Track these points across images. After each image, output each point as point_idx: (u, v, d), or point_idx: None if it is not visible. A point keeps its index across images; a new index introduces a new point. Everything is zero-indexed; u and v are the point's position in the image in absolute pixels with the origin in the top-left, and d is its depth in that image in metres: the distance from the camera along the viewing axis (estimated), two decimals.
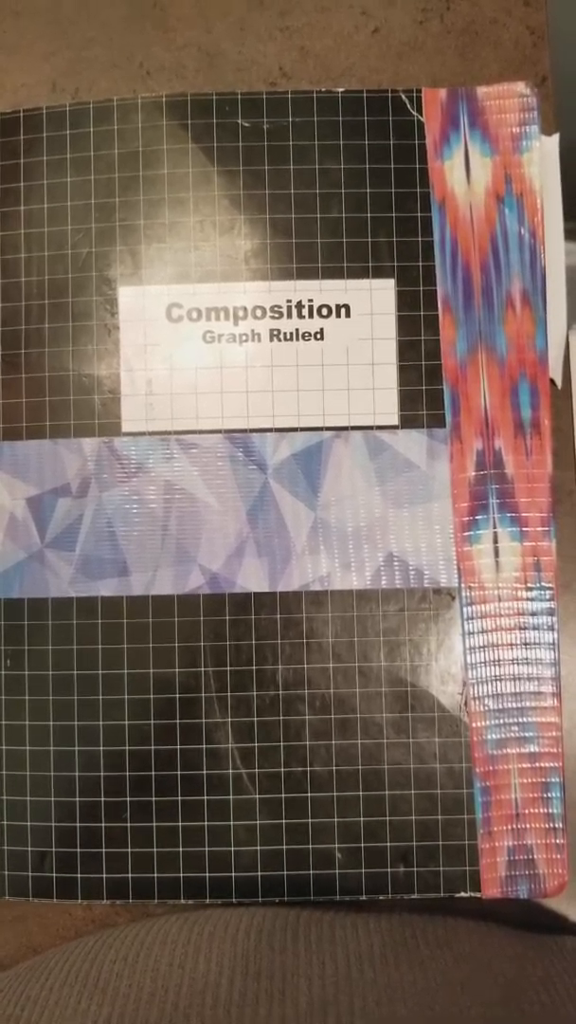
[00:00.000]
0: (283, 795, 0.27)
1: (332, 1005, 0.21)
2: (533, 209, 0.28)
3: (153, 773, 0.28)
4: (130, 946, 0.25)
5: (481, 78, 0.31)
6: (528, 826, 0.27)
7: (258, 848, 0.27)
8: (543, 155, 0.29)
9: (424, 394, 0.28)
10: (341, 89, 0.29)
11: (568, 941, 0.26)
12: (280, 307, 0.28)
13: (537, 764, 0.27)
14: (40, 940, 0.30)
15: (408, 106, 0.29)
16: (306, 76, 0.31)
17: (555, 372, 0.29)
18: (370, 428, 0.28)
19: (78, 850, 0.28)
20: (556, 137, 0.30)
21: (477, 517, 0.28)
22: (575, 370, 0.30)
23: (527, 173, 0.28)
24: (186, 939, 0.25)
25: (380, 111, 0.29)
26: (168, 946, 0.25)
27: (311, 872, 0.27)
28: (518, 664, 0.27)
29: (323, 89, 0.29)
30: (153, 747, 0.28)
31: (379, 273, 0.28)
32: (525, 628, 0.28)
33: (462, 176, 0.28)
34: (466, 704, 0.28)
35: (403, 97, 0.29)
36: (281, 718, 0.28)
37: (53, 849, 0.28)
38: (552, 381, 0.29)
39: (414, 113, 0.29)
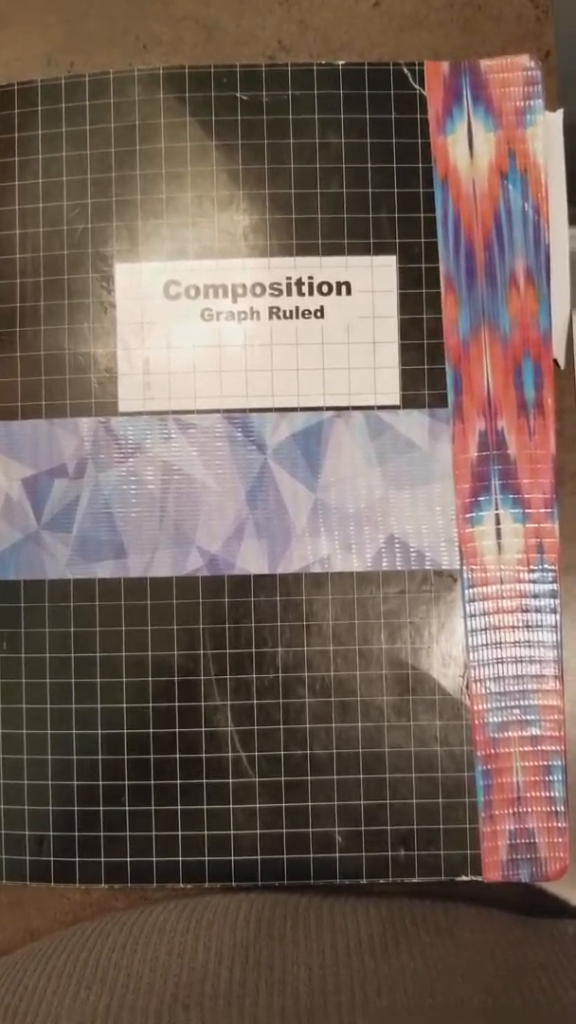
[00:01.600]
0: (283, 778, 0.27)
1: (333, 996, 0.21)
2: (537, 185, 0.28)
3: (152, 756, 0.27)
4: (128, 934, 0.25)
5: (483, 52, 0.30)
6: (529, 809, 0.27)
7: (257, 832, 0.27)
8: (547, 130, 0.28)
9: (426, 373, 0.28)
10: (342, 62, 0.28)
11: (569, 926, 0.26)
12: (280, 284, 0.28)
13: (539, 747, 0.27)
14: (37, 924, 0.29)
15: (410, 79, 0.28)
16: (305, 50, 0.31)
17: (558, 352, 0.29)
18: (371, 408, 0.28)
19: (76, 834, 0.27)
20: (560, 113, 0.29)
21: (479, 498, 0.28)
22: None
23: (531, 148, 0.28)
24: (184, 927, 0.25)
25: (382, 84, 0.28)
26: (167, 935, 0.24)
27: (311, 856, 0.27)
28: (520, 647, 0.27)
29: (323, 62, 0.28)
30: (151, 730, 0.27)
31: (380, 250, 0.28)
32: (527, 610, 0.27)
33: (465, 151, 0.28)
34: (467, 687, 0.27)
35: (405, 70, 0.28)
36: (281, 701, 0.27)
37: (51, 833, 0.28)
38: (555, 361, 0.29)
39: (416, 86, 0.28)
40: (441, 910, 0.25)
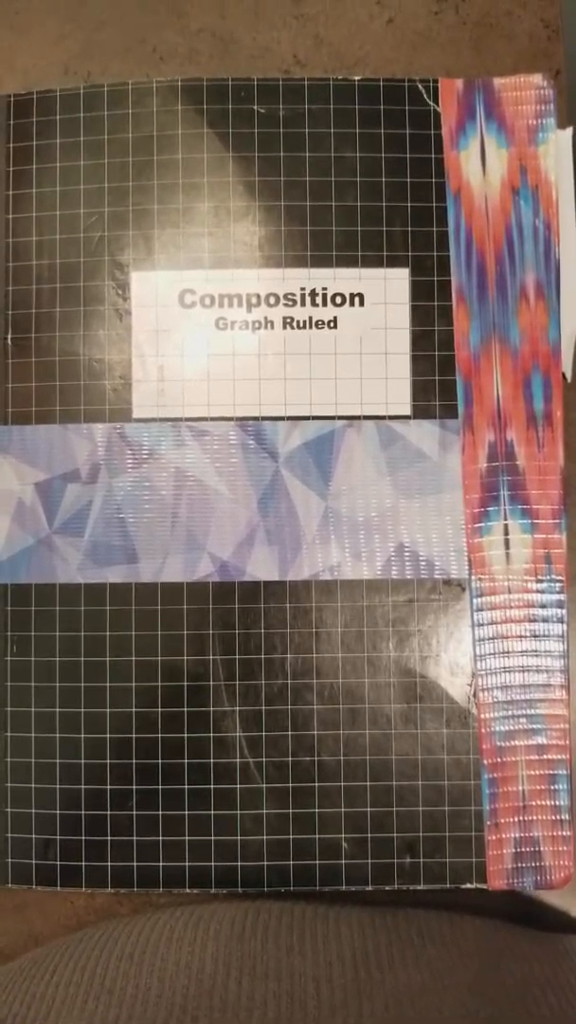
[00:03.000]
0: (290, 784, 0.27)
1: (340, 1008, 0.21)
2: (548, 201, 0.28)
3: (160, 761, 0.27)
4: (135, 943, 0.25)
5: (495, 70, 0.31)
6: (535, 818, 0.27)
7: (264, 837, 0.27)
8: (558, 148, 0.29)
9: (437, 384, 0.28)
10: (358, 77, 0.29)
11: (573, 945, 0.26)
12: (294, 295, 0.28)
13: (544, 756, 0.27)
14: (41, 928, 0.29)
15: (425, 96, 0.29)
16: (320, 64, 0.31)
17: (567, 365, 0.29)
18: (382, 418, 0.28)
19: (83, 838, 0.27)
20: (570, 130, 0.30)
21: (488, 509, 0.28)
22: None
23: (542, 165, 0.28)
24: (191, 937, 0.25)
25: (396, 100, 0.28)
26: (174, 944, 0.24)
27: (317, 862, 0.27)
28: (527, 656, 0.27)
29: (340, 77, 0.29)
30: (160, 735, 0.27)
31: (393, 262, 0.28)
32: (535, 620, 0.28)
33: (478, 167, 0.28)
34: (475, 695, 0.28)
35: (420, 87, 0.29)
36: (289, 707, 0.28)
37: (58, 837, 0.28)
38: (564, 375, 0.29)
39: (430, 103, 0.29)
40: (446, 922, 0.25)
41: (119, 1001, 0.22)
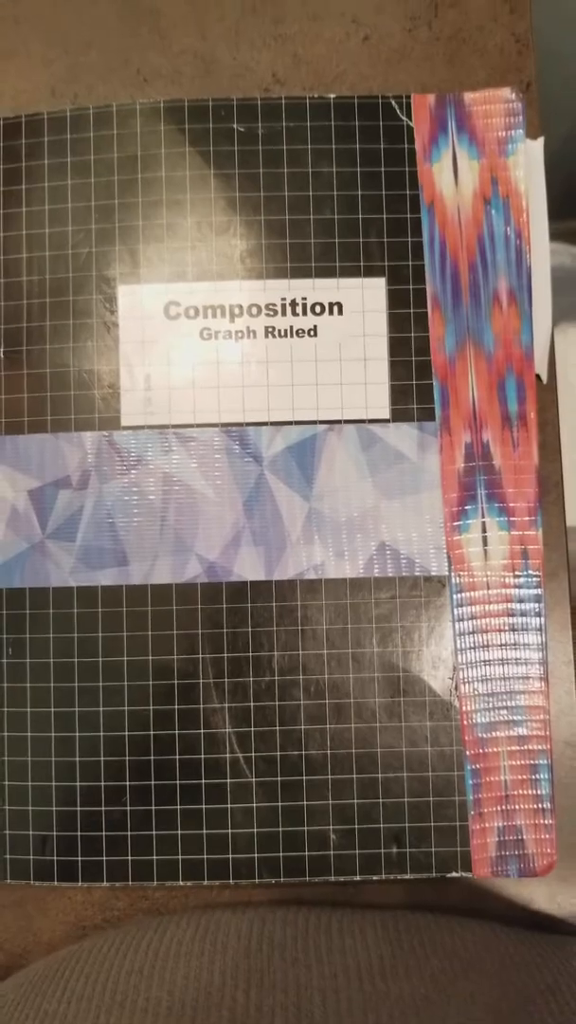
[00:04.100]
0: (279, 778, 0.28)
1: (347, 1018, 0.22)
2: (519, 210, 0.29)
3: (152, 758, 0.28)
4: (144, 958, 0.25)
5: (468, 84, 0.32)
6: (517, 807, 0.28)
7: (255, 830, 0.28)
8: (528, 158, 0.30)
9: (414, 388, 0.29)
10: (333, 95, 0.30)
11: (574, 951, 0.27)
12: (275, 305, 0.29)
13: (526, 746, 0.28)
14: (39, 924, 0.30)
15: (398, 111, 0.30)
16: (299, 82, 0.32)
17: (540, 367, 0.30)
18: (362, 421, 0.29)
19: (79, 834, 0.28)
20: (541, 140, 0.31)
21: (466, 507, 0.29)
22: (560, 365, 0.31)
23: (513, 176, 0.29)
24: (199, 950, 0.25)
25: (371, 116, 0.30)
26: (183, 958, 0.25)
27: (307, 853, 0.28)
28: (506, 648, 0.28)
29: (316, 95, 0.30)
30: (152, 732, 0.28)
31: (370, 272, 0.29)
32: (513, 614, 0.28)
33: (450, 178, 0.29)
34: (456, 688, 0.28)
35: (393, 103, 0.30)
36: (277, 703, 0.28)
37: (54, 833, 0.28)
38: (538, 376, 0.30)
39: (403, 118, 0.30)
40: (447, 931, 0.26)
41: (130, 1014, 0.23)
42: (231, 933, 0.26)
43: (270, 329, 0.29)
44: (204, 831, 0.28)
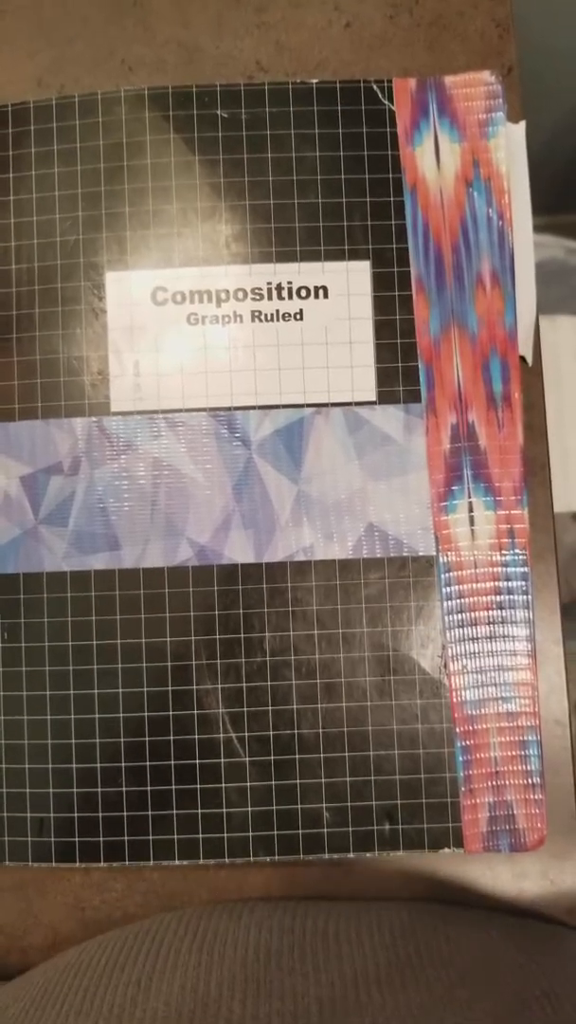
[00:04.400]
0: (272, 757, 0.29)
1: None
2: (500, 192, 0.30)
3: (147, 739, 0.29)
4: (141, 970, 0.25)
5: (449, 69, 0.32)
6: (507, 783, 0.28)
7: (249, 809, 0.28)
8: (510, 141, 0.30)
9: (400, 371, 0.29)
10: (315, 80, 0.30)
11: (568, 950, 0.27)
12: (261, 289, 0.30)
13: (515, 723, 0.29)
14: (39, 907, 0.31)
15: (379, 96, 0.30)
16: (282, 69, 0.32)
17: (525, 349, 0.30)
18: (349, 404, 0.29)
19: (75, 815, 0.29)
20: (522, 124, 0.31)
21: (453, 488, 0.29)
22: (550, 355, 0.31)
23: (494, 158, 0.30)
24: (196, 962, 0.25)
25: (353, 101, 0.30)
26: (179, 969, 0.25)
27: (300, 831, 0.28)
28: (495, 625, 0.29)
29: (298, 80, 0.30)
30: (146, 713, 0.29)
31: (355, 255, 0.30)
32: (500, 592, 0.29)
33: (432, 162, 0.30)
34: (445, 666, 0.29)
35: (375, 87, 0.30)
36: (269, 683, 0.29)
37: (51, 815, 0.29)
38: (523, 358, 0.30)
39: (385, 102, 0.30)
40: (444, 939, 0.26)
41: None
42: (228, 943, 0.26)
43: (256, 313, 0.29)
44: (199, 810, 0.29)
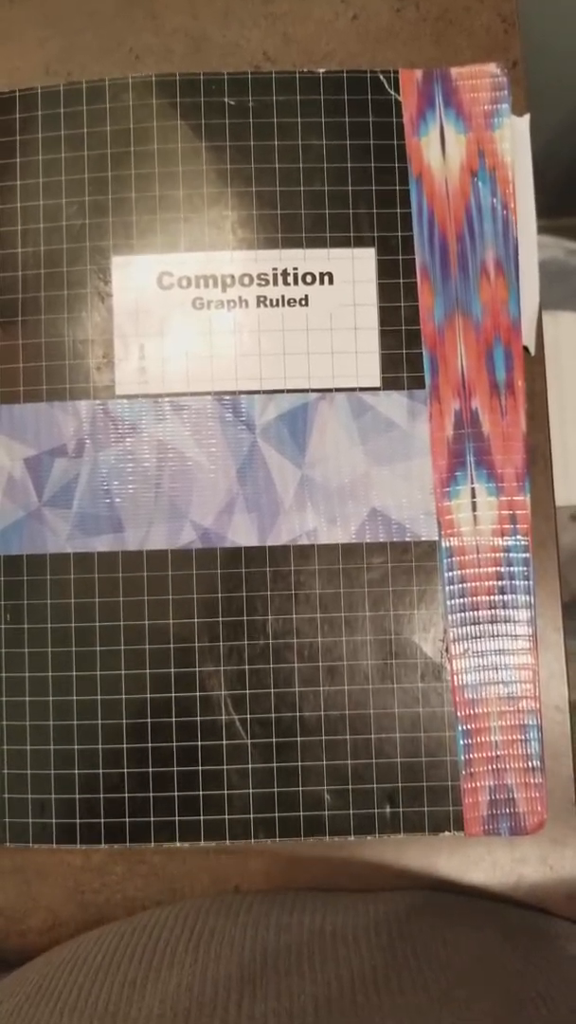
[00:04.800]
0: (274, 740, 0.29)
1: None
2: (505, 182, 0.30)
3: (148, 720, 0.29)
4: (137, 968, 0.25)
5: (455, 63, 0.32)
6: (508, 766, 0.29)
7: (250, 791, 0.29)
8: (515, 134, 0.31)
9: (404, 357, 0.30)
10: (322, 70, 0.30)
11: (565, 950, 0.27)
12: (266, 275, 0.30)
13: (515, 706, 0.29)
14: (39, 890, 0.31)
15: (386, 86, 0.30)
16: (288, 60, 0.33)
17: (528, 339, 0.31)
18: (353, 390, 0.30)
19: (76, 796, 0.29)
20: (527, 117, 0.31)
21: (455, 473, 0.29)
22: (551, 348, 0.32)
23: (499, 148, 0.30)
24: (192, 960, 0.25)
25: (359, 90, 0.30)
26: (175, 968, 0.25)
27: (302, 814, 0.29)
28: (496, 609, 0.29)
29: (306, 70, 0.31)
30: (149, 695, 0.29)
31: (360, 243, 0.30)
32: (502, 577, 0.29)
33: (437, 152, 0.30)
34: (447, 650, 0.29)
35: (381, 78, 0.30)
36: (271, 666, 0.29)
37: (52, 796, 0.29)
38: (525, 348, 0.31)
39: (391, 92, 0.30)
40: (440, 941, 0.26)
41: None
42: (224, 942, 0.26)
43: (262, 299, 0.30)
44: (200, 792, 0.29)
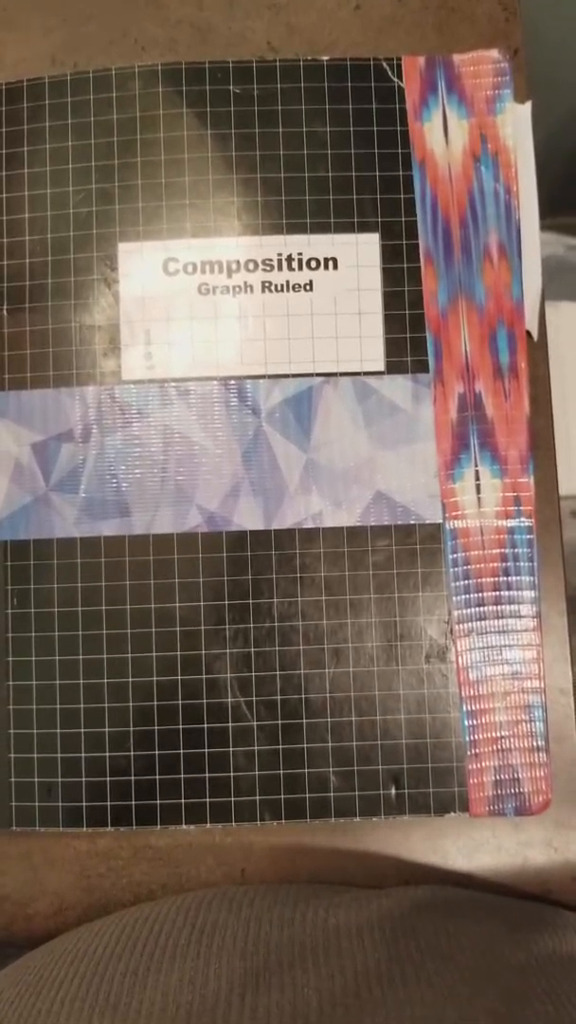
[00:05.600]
0: (279, 722, 0.29)
1: (343, 1019, 0.22)
2: (507, 166, 0.30)
3: (155, 703, 0.29)
4: (139, 960, 0.25)
5: (457, 51, 0.33)
6: (512, 747, 0.29)
7: (256, 773, 0.29)
8: (517, 120, 0.31)
9: (408, 341, 0.30)
10: (326, 57, 0.31)
11: (571, 944, 0.27)
12: (271, 260, 0.30)
13: (520, 687, 0.29)
14: (45, 875, 0.31)
15: (389, 73, 0.30)
16: (292, 50, 0.33)
17: (531, 324, 0.31)
18: (358, 374, 0.30)
19: (83, 779, 0.29)
20: (529, 104, 0.32)
21: (460, 456, 0.30)
22: (551, 327, 0.32)
23: (502, 133, 0.30)
24: (195, 953, 0.25)
25: (363, 78, 0.30)
26: (177, 960, 0.25)
27: (307, 795, 0.29)
28: (500, 591, 0.29)
29: (310, 58, 0.31)
30: (155, 678, 0.29)
31: (364, 228, 0.30)
32: (506, 559, 0.29)
33: (440, 137, 0.30)
34: (451, 632, 0.29)
35: (384, 64, 0.31)
36: (277, 648, 0.29)
37: (59, 779, 0.29)
38: (528, 333, 0.31)
39: (394, 79, 0.30)
40: (444, 936, 0.26)
41: (123, 1016, 0.23)
42: (227, 935, 0.26)
43: (267, 284, 0.30)
44: (207, 775, 0.29)
